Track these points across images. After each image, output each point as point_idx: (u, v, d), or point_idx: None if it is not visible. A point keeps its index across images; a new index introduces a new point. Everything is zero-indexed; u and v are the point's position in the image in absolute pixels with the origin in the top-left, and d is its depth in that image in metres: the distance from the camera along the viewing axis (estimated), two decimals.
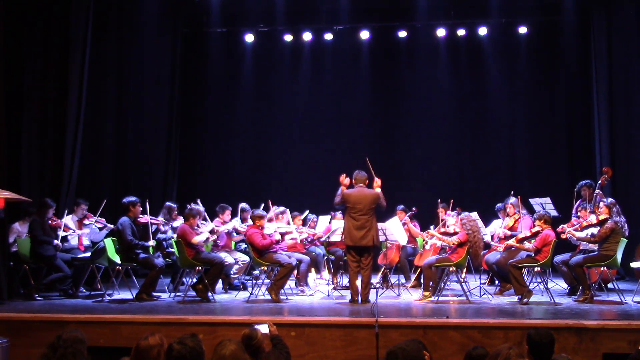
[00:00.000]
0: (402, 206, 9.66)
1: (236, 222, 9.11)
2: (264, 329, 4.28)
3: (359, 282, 7.55)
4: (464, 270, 8.48)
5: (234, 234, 9.10)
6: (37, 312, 6.80)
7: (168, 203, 9.34)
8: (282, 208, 9.02)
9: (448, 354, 5.89)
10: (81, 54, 9.06)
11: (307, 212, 9.75)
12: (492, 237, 8.80)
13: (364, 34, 12.15)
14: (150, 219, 8.22)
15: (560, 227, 7.95)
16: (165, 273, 8.68)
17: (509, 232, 8.43)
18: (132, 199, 8.07)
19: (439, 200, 9.19)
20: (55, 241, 8.05)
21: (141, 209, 8.13)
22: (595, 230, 7.66)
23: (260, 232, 7.93)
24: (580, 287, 7.66)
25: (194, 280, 8.09)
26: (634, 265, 8.72)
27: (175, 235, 8.52)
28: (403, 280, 8.98)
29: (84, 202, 8.68)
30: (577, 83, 11.78)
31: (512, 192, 8.85)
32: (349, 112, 12.63)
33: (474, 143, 12.36)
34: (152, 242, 7.98)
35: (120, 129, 10.88)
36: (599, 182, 8.54)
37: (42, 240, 7.91)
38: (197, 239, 7.84)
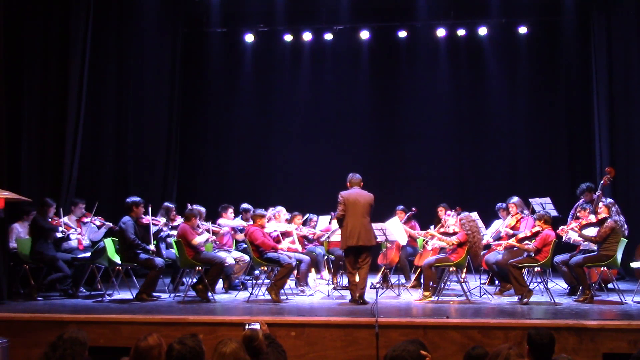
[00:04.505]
0: (402, 206, 9.67)
1: (240, 221, 9.16)
2: (256, 327, 4.27)
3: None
4: (464, 270, 8.47)
5: (239, 232, 9.11)
6: (37, 312, 6.80)
7: (166, 204, 9.31)
8: (279, 207, 9.03)
9: (448, 354, 5.89)
10: (81, 54, 9.06)
11: (308, 215, 9.77)
12: (498, 239, 8.75)
13: (364, 34, 12.15)
14: (152, 219, 8.21)
15: (560, 229, 7.94)
16: (165, 273, 8.68)
17: (511, 232, 8.42)
18: (136, 199, 8.07)
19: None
20: (60, 228, 8.08)
21: (144, 209, 8.12)
22: (595, 229, 7.65)
23: (261, 230, 7.94)
24: (580, 287, 7.66)
25: (194, 280, 8.09)
26: (634, 265, 8.72)
27: (173, 233, 8.54)
28: (403, 280, 8.97)
29: (82, 201, 8.68)
30: (577, 83, 11.79)
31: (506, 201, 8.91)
32: (349, 112, 12.63)
33: (474, 143, 12.36)
34: (152, 247, 7.97)
35: (120, 129, 10.88)
36: (602, 182, 8.52)
37: (48, 228, 7.94)
38: (197, 240, 7.84)
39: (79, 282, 8.29)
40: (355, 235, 7.40)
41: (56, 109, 8.87)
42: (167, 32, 11.87)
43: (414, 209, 9.58)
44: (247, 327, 4.12)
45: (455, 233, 7.87)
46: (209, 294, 7.72)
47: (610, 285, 8.24)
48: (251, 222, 8.40)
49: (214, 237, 8.56)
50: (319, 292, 8.35)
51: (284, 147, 12.69)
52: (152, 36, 11.35)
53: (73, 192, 8.94)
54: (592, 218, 7.76)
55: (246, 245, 8.48)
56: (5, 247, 7.74)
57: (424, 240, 9.13)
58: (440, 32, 11.94)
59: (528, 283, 7.82)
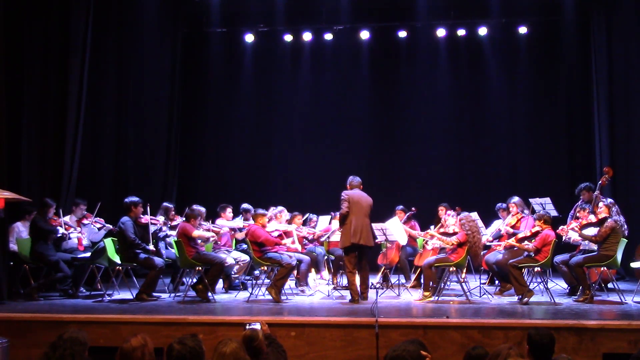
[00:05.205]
0: (401, 206, 9.67)
1: (239, 221, 9.16)
2: (256, 327, 4.27)
3: (358, 282, 7.61)
4: (464, 270, 8.47)
5: (238, 231, 9.11)
6: (37, 312, 6.79)
7: (165, 204, 9.30)
8: (280, 208, 9.03)
9: (448, 354, 5.89)
10: (81, 54, 9.05)
11: (308, 215, 9.77)
12: (499, 237, 8.77)
13: (364, 34, 12.15)
14: (151, 218, 8.21)
15: (560, 228, 7.93)
16: (165, 273, 8.67)
17: (511, 230, 8.43)
18: (134, 199, 8.06)
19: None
20: (60, 229, 8.08)
21: (142, 209, 8.12)
22: (595, 229, 7.65)
23: (263, 228, 7.95)
24: (580, 287, 7.66)
25: (194, 280, 8.09)
26: (634, 265, 8.72)
27: (174, 233, 8.53)
28: (403, 280, 8.97)
29: (83, 202, 8.67)
30: (577, 83, 11.78)
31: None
32: (349, 112, 12.63)
33: (474, 143, 12.36)
34: (152, 247, 7.97)
35: (121, 129, 10.88)
36: (600, 182, 8.52)
37: (47, 230, 7.94)
38: (197, 233, 7.87)
39: (79, 282, 8.29)
40: (358, 233, 7.51)
41: (56, 109, 8.87)
42: (167, 32, 11.87)
43: (413, 208, 9.58)
44: (247, 327, 4.13)
45: (455, 233, 7.86)
46: (209, 294, 7.71)
47: (610, 285, 8.24)
48: (251, 222, 8.40)
49: (216, 237, 8.57)
50: (319, 292, 8.35)
51: (284, 147, 12.70)
52: (152, 36, 11.35)
53: (73, 192, 8.94)
54: (592, 218, 7.76)
55: (246, 246, 8.49)
56: (5, 247, 7.74)
57: (424, 240, 9.13)
58: (440, 32, 11.95)
59: (528, 283, 7.82)
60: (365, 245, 7.58)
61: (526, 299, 7.27)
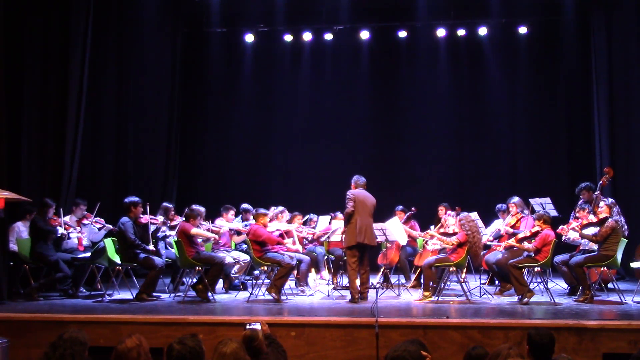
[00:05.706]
0: (401, 207, 9.67)
1: (238, 223, 9.14)
2: (256, 327, 4.27)
3: (358, 282, 7.62)
4: (464, 270, 8.47)
5: (236, 234, 9.11)
6: (37, 312, 6.79)
7: (165, 204, 9.28)
8: (280, 208, 9.04)
9: (448, 354, 5.89)
10: (81, 54, 9.06)
11: (309, 215, 9.77)
12: (499, 237, 8.77)
13: (364, 34, 12.15)
14: (150, 218, 8.21)
15: (560, 228, 7.93)
16: (165, 273, 8.67)
17: (511, 230, 8.43)
18: (134, 199, 8.06)
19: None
20: (60, 229, 8.07)
21: (142, 209, 8.12)
22: (596, 229, 7.65)
23: (264, 228, 7.96)
24: (580, 287, 7.66)
25: (194, 280, 8.09)
26: (634, 265, 8.72)
27: (174, 233, 8.53)
28: (403, 280, 8.98)
29: (83, 202, 8.67)
30: (577, 83, 11.78)
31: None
32: (348, 111, 12.63)
33: (474, 143, 12.36)
34: (152, 247, 7.96)
35: (121, 129, 10.88)
36: (600, 182, 8.52)
37: (46, 230, 7.94)
38: (195, 230, 7.88)
39: (79, 282, 8.29)
40: (363, 233, 7.53)
41: (56, 109, 8.87)
42: (167, 32, 11.87)
43: (413, 208, 9.59)
44: (247, 327, 4.13)
45: (455, 233, 7.87)
46: (209, 294, 7.72)
47: (610, 285, 8.24)
48: (251, 222, 8.39)
49: (217, 237, 8.57)
50: (319, 292, 8.35)
51: (284, 147, 12.70)
52: (152, 36, 11.35)
53: (73, 192, 8.94)
54: (592, 218, 7.76)
55: (246, 246, 8.48)
56: (5, 247, 7.74)
57: (424, 240, 9.13)
58: (440, 32, 11.95)
59: (528, 283, 7.81)
60: (369, 244, 7.60)
61: (526, 299, 7.27)
